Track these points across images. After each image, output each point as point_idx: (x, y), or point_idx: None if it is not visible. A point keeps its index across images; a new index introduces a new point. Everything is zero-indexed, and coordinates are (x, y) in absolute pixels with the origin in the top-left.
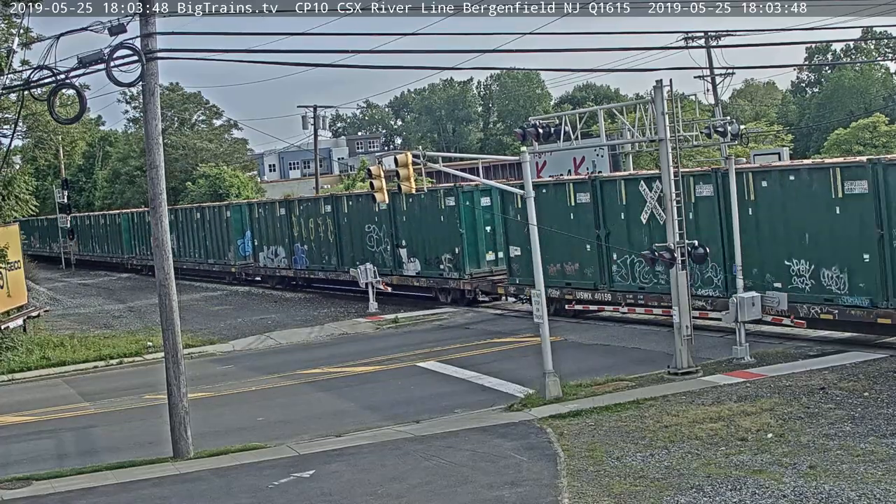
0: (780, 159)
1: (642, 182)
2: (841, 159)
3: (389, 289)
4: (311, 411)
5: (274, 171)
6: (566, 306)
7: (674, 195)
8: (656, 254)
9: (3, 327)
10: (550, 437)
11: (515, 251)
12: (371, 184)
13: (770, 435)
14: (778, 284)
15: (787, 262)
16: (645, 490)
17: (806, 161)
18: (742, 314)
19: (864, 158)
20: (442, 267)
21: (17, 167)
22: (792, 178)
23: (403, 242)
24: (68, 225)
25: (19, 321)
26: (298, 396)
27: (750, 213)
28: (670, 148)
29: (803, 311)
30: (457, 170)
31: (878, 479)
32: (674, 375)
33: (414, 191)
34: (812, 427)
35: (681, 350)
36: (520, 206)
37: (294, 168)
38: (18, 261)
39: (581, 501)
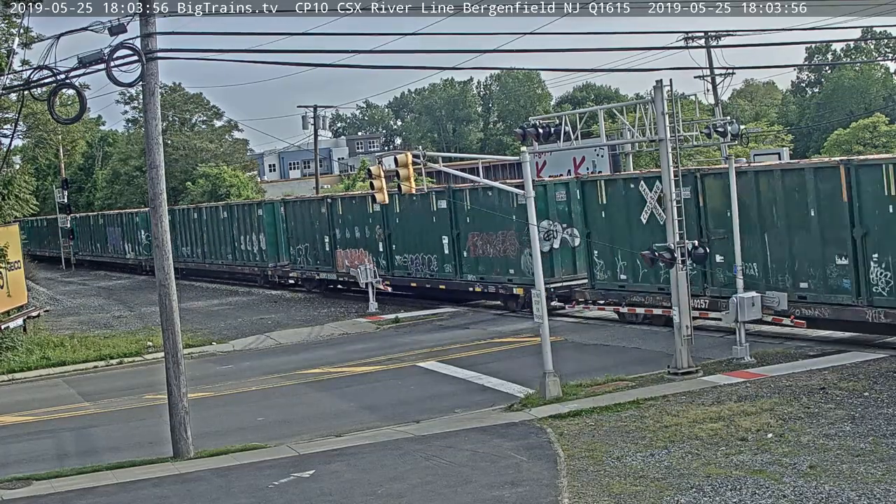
0: (779, 159)
1: (642, 181)
2: None
3: (390, 289)
4: (311, 411)
5: (274, 171)
6: None
7: (674, 195)
8: (656, 254)
9: (3, 327)
10: (550, 437)
11: None
12: (371, 184)
13: (770, 435)
14: None
15: None
16: (645, 490)
17: None
18: (742, 314)
19: None
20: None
21: (17, 167)
22: None
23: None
24: (69, 225)
25: (19, 321)
26: (298, 396)
27: None
28: (670, 148)
29: None
30: (457, 170)
31: (878, 479)
32: (674, 375)
33: (414, 190)
34: (812, 427)
35: (681, 350)
36: None
37: (294, 168)
38: (18, 261)
39: (581, 501)
